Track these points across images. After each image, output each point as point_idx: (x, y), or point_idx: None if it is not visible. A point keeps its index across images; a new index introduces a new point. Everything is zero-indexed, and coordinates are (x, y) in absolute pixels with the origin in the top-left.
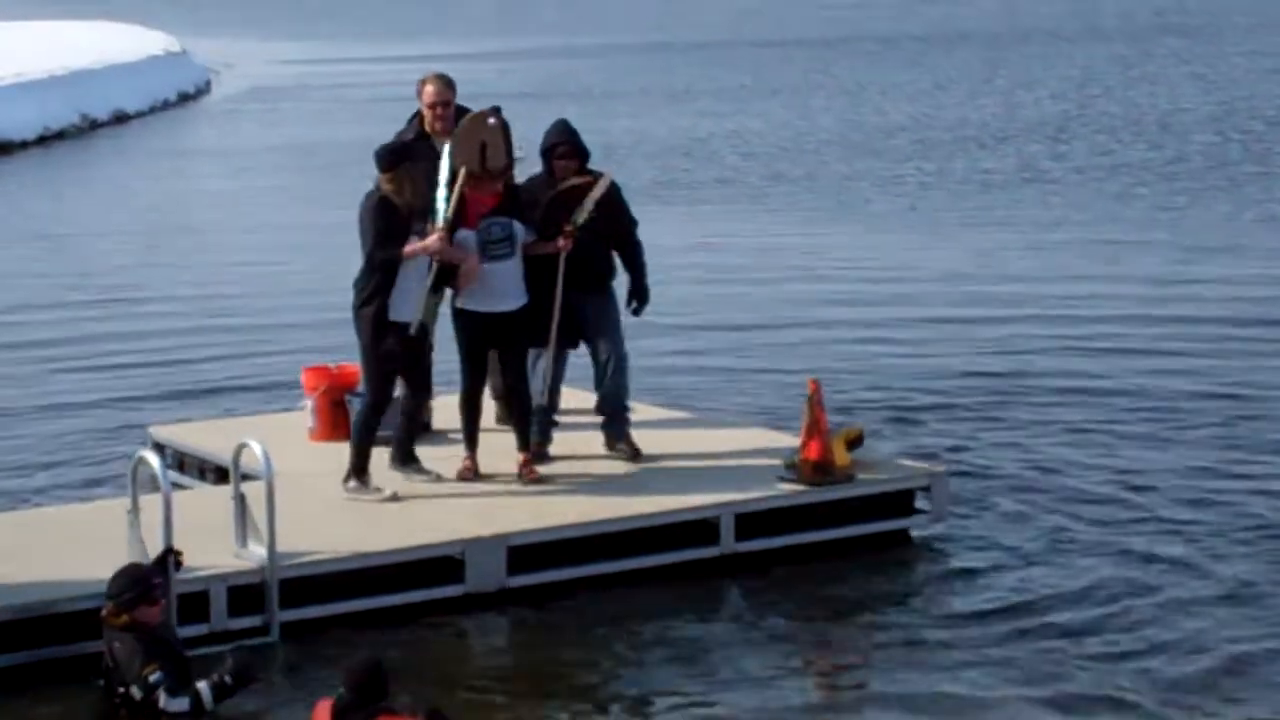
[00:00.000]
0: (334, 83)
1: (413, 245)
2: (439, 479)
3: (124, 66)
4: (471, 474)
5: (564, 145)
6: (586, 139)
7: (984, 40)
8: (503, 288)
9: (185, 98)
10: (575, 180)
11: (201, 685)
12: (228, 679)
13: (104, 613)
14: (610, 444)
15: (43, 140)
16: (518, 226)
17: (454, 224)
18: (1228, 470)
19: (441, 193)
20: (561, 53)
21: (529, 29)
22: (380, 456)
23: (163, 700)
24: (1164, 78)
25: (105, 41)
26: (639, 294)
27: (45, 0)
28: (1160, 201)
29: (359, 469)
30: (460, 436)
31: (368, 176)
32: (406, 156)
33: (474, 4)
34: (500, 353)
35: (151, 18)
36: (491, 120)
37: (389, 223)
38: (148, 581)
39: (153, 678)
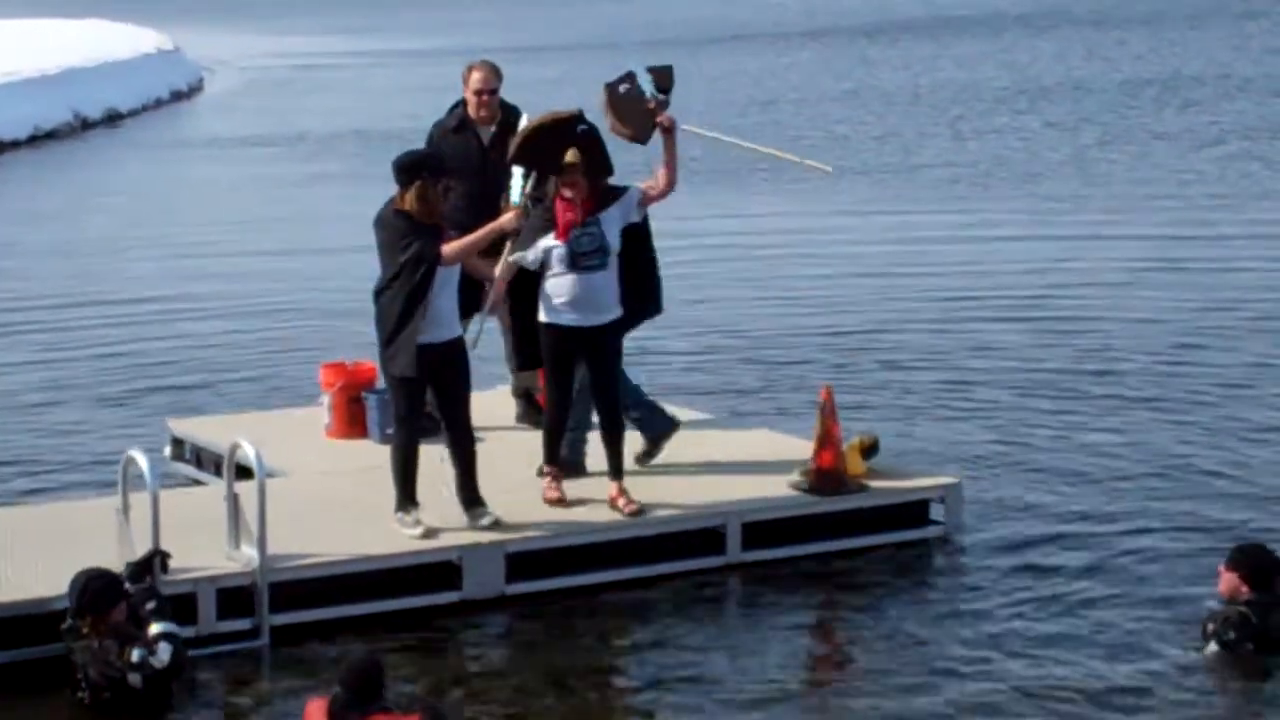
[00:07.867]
0: (328, 77)
1: (485, 228)
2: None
3: (116, 64)
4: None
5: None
6: None
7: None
8: (595, 300)
9: (179, 95)
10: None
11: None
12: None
13: (80, 627)
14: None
15: (34, 140)
16: (610, 238)
17: (531, 206)
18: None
19: (517, 172)
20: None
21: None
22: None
23: (155, 661)
24: None
25: (97, 40)
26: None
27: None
28: None
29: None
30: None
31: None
32: (424, 168)
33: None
34: (590, 368)
35: (143, 15)
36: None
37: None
38: (111, 584)
39: (135, 656)
